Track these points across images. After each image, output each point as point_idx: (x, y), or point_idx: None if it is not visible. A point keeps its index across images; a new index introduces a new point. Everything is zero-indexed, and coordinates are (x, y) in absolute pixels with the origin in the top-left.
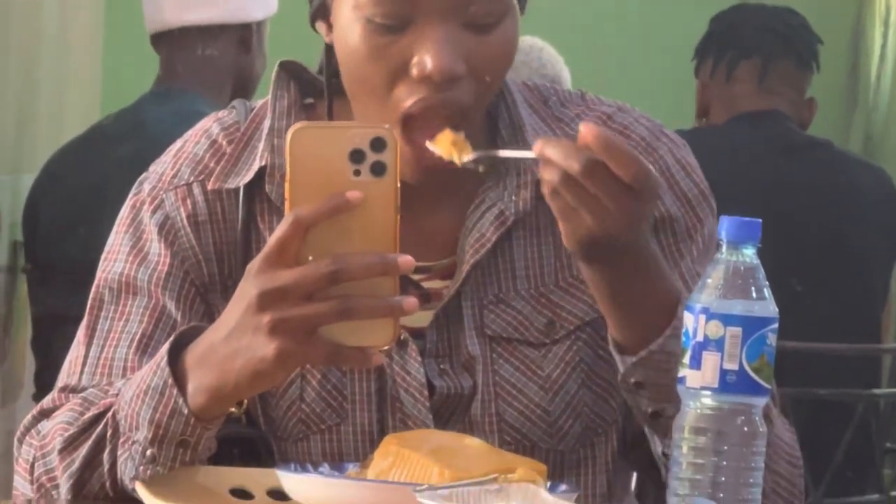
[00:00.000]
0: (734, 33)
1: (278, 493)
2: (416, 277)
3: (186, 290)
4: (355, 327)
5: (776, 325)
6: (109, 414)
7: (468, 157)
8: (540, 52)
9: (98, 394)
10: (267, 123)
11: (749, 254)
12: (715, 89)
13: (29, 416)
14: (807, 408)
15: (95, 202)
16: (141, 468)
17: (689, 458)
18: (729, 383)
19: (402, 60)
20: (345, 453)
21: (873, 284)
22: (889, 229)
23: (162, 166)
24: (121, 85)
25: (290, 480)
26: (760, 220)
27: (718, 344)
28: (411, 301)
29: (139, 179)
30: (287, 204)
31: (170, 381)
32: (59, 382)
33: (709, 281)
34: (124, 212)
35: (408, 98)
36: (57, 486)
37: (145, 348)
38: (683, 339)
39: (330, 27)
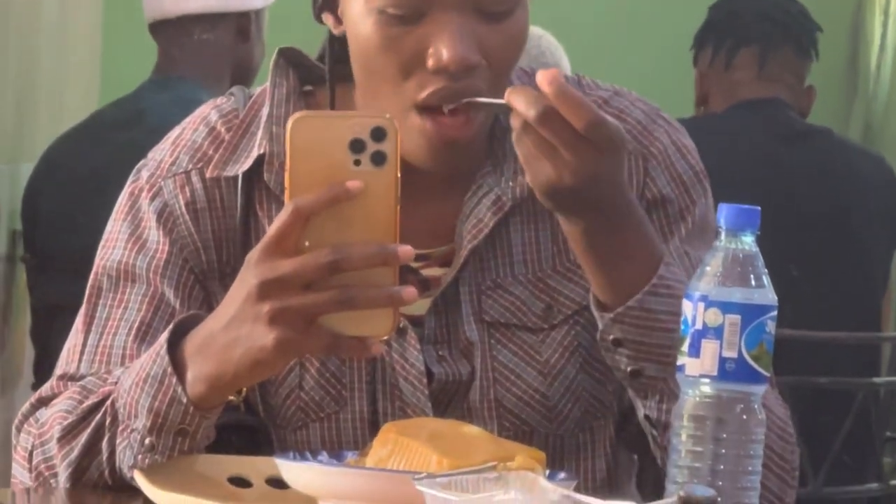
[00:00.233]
0: (733, 21)
1: (277, 482)
2: (414, 265)
3: (185, 277)
4: (355, 317)
5: (775, 313)
6: (108, 402)
7: (451, 105)
8: (539, 41)
9: (97, 382)
10: (265, 111)
11: (748, 241)
12: (714, 77)
13: (27, 405)
14: (806, 396)
15: (94, 191)
16: (139, 456)
17: (688, 446)
18: (728, 371)
19: (416, 51)
20: (343, 441)
21: (873, 272)
22: (889, 217)
23: (160, 153)
24: (120, 73)
25: (288, 469)
26: (759, 208)
27: (717, 332)
28: (410, 291)
29: (137, 167)
30: (287, 193)
31: (169, 369)
32: (58, 370)
33: (707, 268)
34: (122, 199)
35: (423, 88)
36: (55, 475)
37: (144, 336)
38: (682, 326)
39: (338, 19)
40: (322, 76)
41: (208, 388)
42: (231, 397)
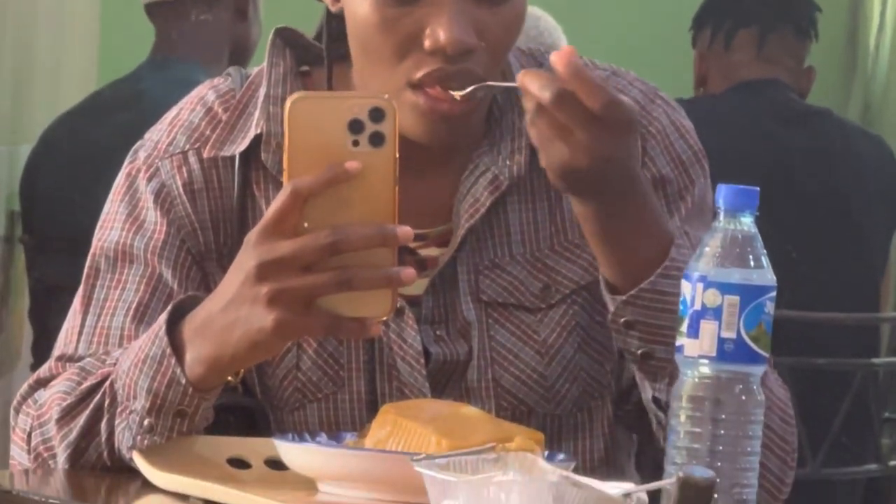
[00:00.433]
0: (732, 2)
1: (276, 463)
2: (411, 245)
3: (183, 258)
4: (353, 298)
5: (774, 294)
6: (107, 383)
7: (462, 92)
8: (537, 21)
9: (95, 363)
10: (262, 91)
11: (747, 222)
12: (713, 59)
13: (25, 386)
14: (805, 377)
15: (93, 172)
16: (138, 438)
17: (687, 427)
18: (727, 352)
19: (413, 32)
20: (341, 422)
21: (872, 253)
22: (888, 198)
23: (157, 134)
24: (117, 54)
25: (287, 450)
26: (758, 189)
27: (716, 312)
28: (409, 272)
29: (134, 147)
30: (285, 174)
31: (168, 350)
32: (56, 351)
33: (706, 249)
34: (120, 180)
35: (419, 69)
36: (54, 456)
37: (142, 317)
38: (681, 307)
39: None
40: (319, 55)
41: (207, 369)
42: (229, 378)
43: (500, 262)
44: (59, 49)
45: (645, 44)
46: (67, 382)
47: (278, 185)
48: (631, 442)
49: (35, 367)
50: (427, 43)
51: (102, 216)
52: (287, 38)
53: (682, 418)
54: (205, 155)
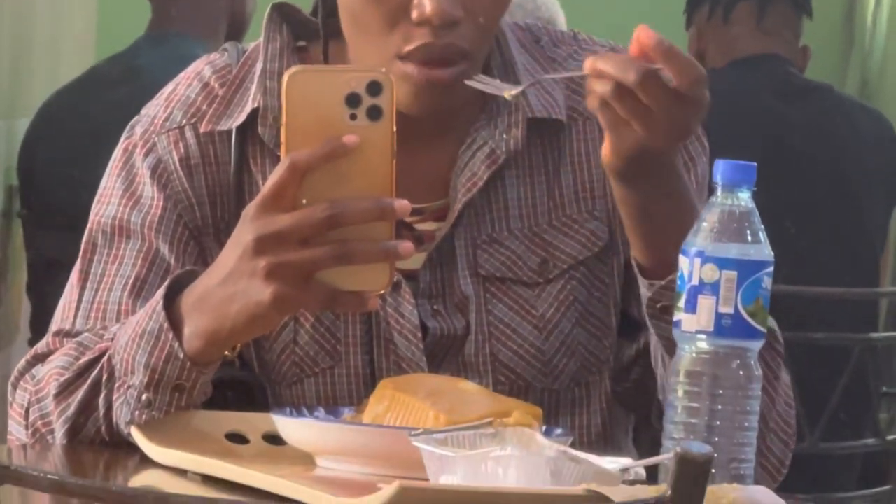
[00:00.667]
0: None
1: (274, 438)
2: (409, 220)
3: (180, 233)
4: (351, 272)
5: (771, 269)
6: (105, 358)
7: (514, 91)
8: None
9: (93, 338)
10: (259, 66)
11: (744, 197)
12: (711, 33)
13: (23, 361)
14: (803, 352)
15: (91, 146)
16: (136, 413)
17: (685, 402)
18: (724, 327)
19: (401, 2)
20: (339, 396)
21: (871, 228)
22: (888, 173)
23: (154, 109)
24: (115, 28)
25: (285, 425)
26: (756, 164)
27: (714, 288)
28: (407, 245)
29: (131, 123)
30: (283, 148)
31: (165, 325)
32: (53, 327)
33: (704, 224)
34: (116, 155)
35: (408, 41)
36: (52, 431)
37: (139, 292)
38: (679, 282)
39: None
40: (316, 31)
41: (205, 343)
42: (226, 353)
43: (497, 236)
44: (56, 23)
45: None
46: (65, 358)
47: (275, 160)
48: (628, 418)
49: (33, 341)
50: (414, 14)
51: (99, 192)
52: (284, 13)
53: (680, 393)
54: (201, 129)
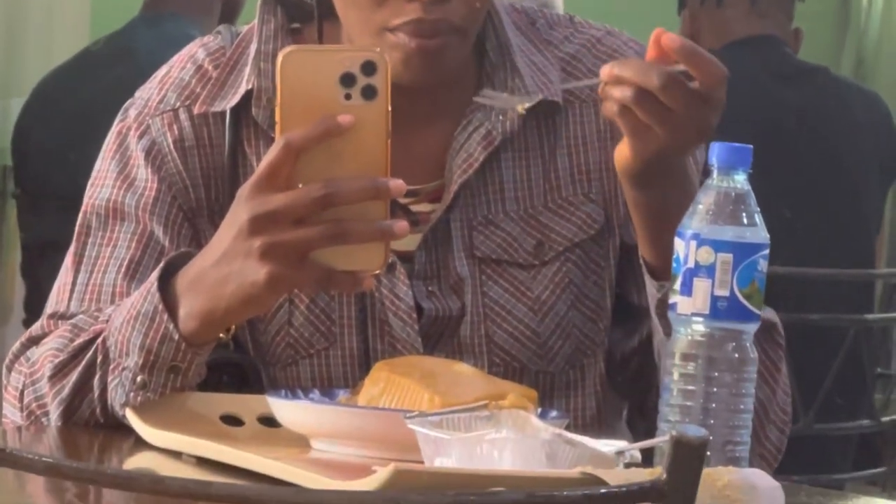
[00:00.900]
0: None
1: (269, 420)
2: (404, 201)
3: (174, 215)
4: (346, 252)
5: (767, 252)
6: (99, 340)
7: (526, 104)
8: None
9: (87, 320)
10: (253, 47)
11: (740, 180)
12: (705, 16)
13: (17, 344)
14: (798, 333)
15: (85, 127)
16: (131, 394)
17: (680, 384)
18: (720, 310)
19: None
20: (333, 378)
21: (867, 209)
22: (883, 155)
23: (147, 92)
24: (109, 9)
25: (280, 407)
26: (751, 146)
27: (709, 270)
28: (402, 225)
29: (124, 106)
30: (277, 128)
31: (160, 306)
32: (48, 309)
33: (700, 207)
34: (110, 138)
35: (397, 16)
36: (47, 413)
37: (133, 274)
38: (674, 264)
39: None
40: (310, 13)
41: (200, 324)
42: (220, 335)
43: (493, 218)
44: (50, 3)
45: (634, 5)
46: (60, 339)
47: (269, 142)
48: (622, 401)
49: (27, 322)
50: None
51: (93, 174)
52: None
53: (676, 376)
54: (195, 111)
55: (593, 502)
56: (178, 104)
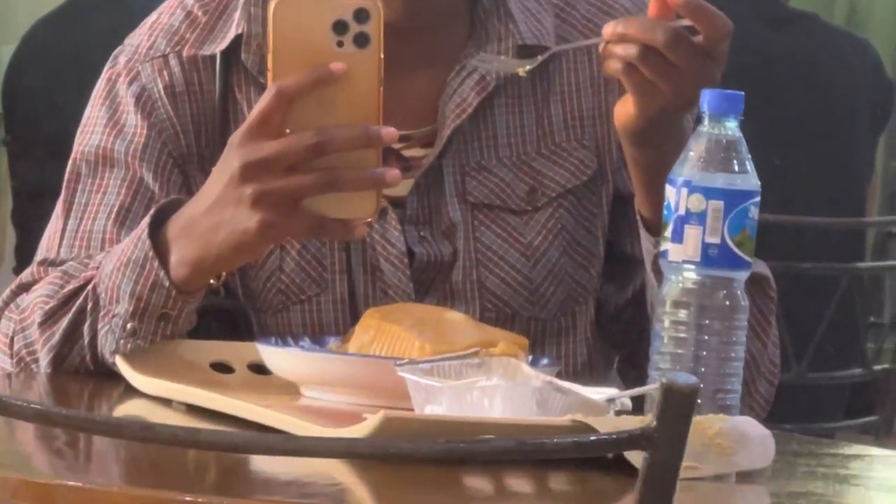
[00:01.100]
0: None
1: (259, 368)
2: (396, 146)
3: (164, 161)
4: (338, 199)
5: (758, 199)
6: (90, 287)
7: (528, 66)
8: None
9: (78, 267)
10: None
11: (731, 127)
12: None
13: (7, 291)
14: (790, 282)
15: (75, 74)
16: (121, 342)
17: (671, 332)
18: (711, 257)
19: None
20: (324, 324)
21: (858, 158)
22: (874, 102)
23: (137, 38)
24: None
25: (270, 354)
26: (743, 93)
27: (700, 217)
28: (394, 172)
29: (114, 53)
30: (269, 75)
31: (151, 253)
32: (38, 256)
33: (691, 154)
34: (100, 85)
35: None
36: (37, 360)
37: (123, 220)
38: (665, 212)
39: None
40: None
41: (191, 271)
42: (210, 281)
43: (486, 163)
44: None
45: None
46: (50, 286)
47: (260, 88)
48: (614, 350)
49: (18, 269)
50: None
51: (83, 121)
52: None
53: (667, 324)
54: (184, 54)
55: (583, 450)
56: (168, 50)
